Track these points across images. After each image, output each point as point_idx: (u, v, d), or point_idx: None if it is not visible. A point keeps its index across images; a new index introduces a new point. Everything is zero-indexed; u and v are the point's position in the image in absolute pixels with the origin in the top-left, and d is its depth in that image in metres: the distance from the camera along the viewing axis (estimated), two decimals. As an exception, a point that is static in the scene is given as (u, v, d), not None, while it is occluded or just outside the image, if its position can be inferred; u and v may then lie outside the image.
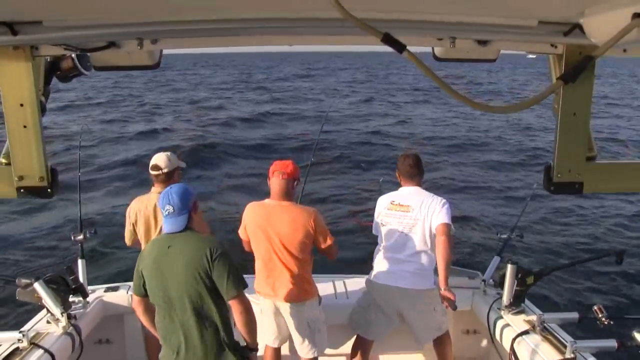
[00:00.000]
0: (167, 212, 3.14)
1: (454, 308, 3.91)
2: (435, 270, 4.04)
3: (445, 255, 3.90)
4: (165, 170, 4.24)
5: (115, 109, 31.72)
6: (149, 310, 3.31)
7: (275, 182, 3.90)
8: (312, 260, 4.02)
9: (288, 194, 3.92)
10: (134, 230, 4.30)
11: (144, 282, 3.19)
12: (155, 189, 4.26)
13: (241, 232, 4.06)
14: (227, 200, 12.68)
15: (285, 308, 3.95)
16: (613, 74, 71.77)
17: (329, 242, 3.94)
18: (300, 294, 3.90)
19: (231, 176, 15.69)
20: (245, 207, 4.07)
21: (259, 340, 3.55)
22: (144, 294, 3.23)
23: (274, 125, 25.29)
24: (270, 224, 3.85)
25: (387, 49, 1.35)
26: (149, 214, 4.21)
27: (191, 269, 3.04)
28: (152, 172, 4.28)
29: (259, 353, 4.23)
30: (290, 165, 3.93)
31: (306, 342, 3.99)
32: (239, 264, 3.24)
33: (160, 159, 4.28)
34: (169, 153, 4.40)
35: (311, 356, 4.04)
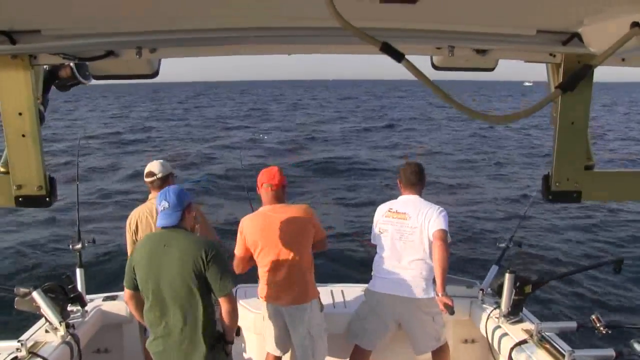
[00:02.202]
0: (162, 208, 3.35)
1: (452, 313, 3.93)
2: (434, 279, 4.04)
3: (442, 260, 3.92)
4: (159, 176, 4.40)
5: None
6: (141, 303, 3.48)
7: (265, 194, 4.02)
8: (314, 262, 4.09)
9: (280, 200, 4.02)
10: (135, 239, 4.32)
11: (136, 275, 3.39)
12: (152, 195, 4.38)
13: (238, 247, 4.06)
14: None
15: (289, 312, 3.97)
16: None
17: (323, 234, 4.13)
18: (305, 295, 3.96)
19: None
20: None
21: (260, 343, 4.07)
22: (135, 287, 3.43)
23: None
24: (271, 229, 3.90)
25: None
26: (148, 220, 4.26)
27: (186, 267, 3.23)
28: (147, 179, 4.44)
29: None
30: (277, 175, 4.02)
31: (307, 349, 3.99)
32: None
33: (154, 166, 4.45)
34: (161, 160, 4.59)
35: None
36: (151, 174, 4.41)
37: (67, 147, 21.89)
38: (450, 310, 3.91)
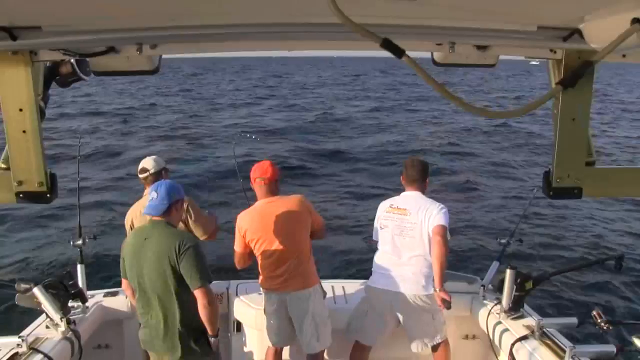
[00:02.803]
0: (151, 198, 3.46)
1: (448, 307, 3.94)
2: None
3: (440, 255, 3.92)
4: (152, 171, 4.42)
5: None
6: None
7: (259, 189, 4.08)
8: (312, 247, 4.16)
9: (273, 193, 4.09)
10: None
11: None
12: (147, 191, 4.33)
13: (237, 243, 4.11)
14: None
15: (292, 299, 4.01)
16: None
17: (322, 222, 4.22)
18: (306, 281, 4.03)
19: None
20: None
21: (261, 338, 4.18)
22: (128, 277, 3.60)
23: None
24: (269, 220, 3.97)
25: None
26: (144, 216, 4.24)
27: (160, 260, 3.33)
28: (141, 176, 4.48)
29: (259, 357, 4.28)
30: (269, 169, 4.07)
31: (312, 336, 4.03)
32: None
33: (146, 162, 4.49)
34: (154, 156, 4.62)
35: (317, 350, 4.08)
36: (144, 170, 4.45)
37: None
38: (448, 305, 3.92)
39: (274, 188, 4.08)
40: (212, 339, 3.51)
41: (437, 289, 3.95)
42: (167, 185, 3.48)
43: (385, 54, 1.33)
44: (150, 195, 3.47)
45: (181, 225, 4.06)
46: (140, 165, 4.50)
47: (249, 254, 4.11)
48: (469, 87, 54.77)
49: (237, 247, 4.11)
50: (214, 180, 13.01)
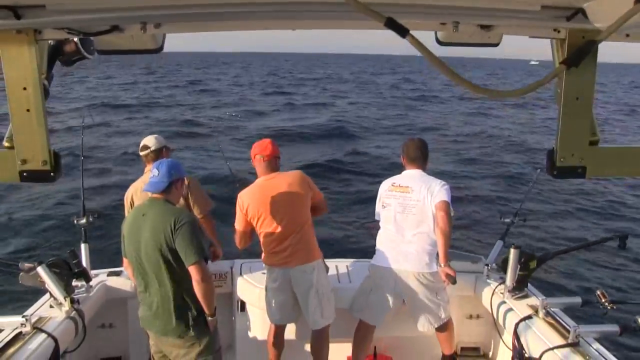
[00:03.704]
0: (152, 175, 3.48)
1: (454, 282, 3.96)
2: (437, 254, 4.05)
3: (445, 230, 3.92)
4: (152, 148, 4.46)
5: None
6: None
7: (259, 165, 4.14)
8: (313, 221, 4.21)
9: (273, 170, 4.13)
10: None
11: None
12: (147, 168, 4.44)
13: (239, 221, 4.13)
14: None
15: (296, 274, 4.03)
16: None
17: (321, 195, 4.27)
18: (309, 255, 4.07)
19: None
20: None
21: (265, 317, 4.18)
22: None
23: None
24: (271, 196, 4.00)
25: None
26: (144, 193, 4.25)
27: (156, 236, 3.32)
28: (142, 153, 4.52)
29: (264, 337, 4.30)
30: (269, 146, 4.12)
31: (316, 310, 4.04)
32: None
33: (148, 140, 4.53)
34: (156, 135, 4.65)
35: (322, 325, 4.09)
36: (145, 147, 4.48)
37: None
38: (453, 280, 3.94)
39: (274, 165, 4.12)
40: (209, 319, 3.49)
41: (442, 265, 3.96)
42: (168, 164, 3.49)
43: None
44: (152, 173, 3.48)
45: (181, 202, 4.06)
46: (142, 143, 4.53)
47: (250, 232, 4.14)
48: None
49: (239, 226, 4.12)
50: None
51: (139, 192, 4.27)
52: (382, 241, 4.26)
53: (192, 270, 3.33)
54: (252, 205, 4.03)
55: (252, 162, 4.16)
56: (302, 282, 4.04)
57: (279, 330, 4.22)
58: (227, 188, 7.56)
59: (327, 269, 4.26)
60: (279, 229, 4.00)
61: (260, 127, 23.61)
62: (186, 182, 4.19)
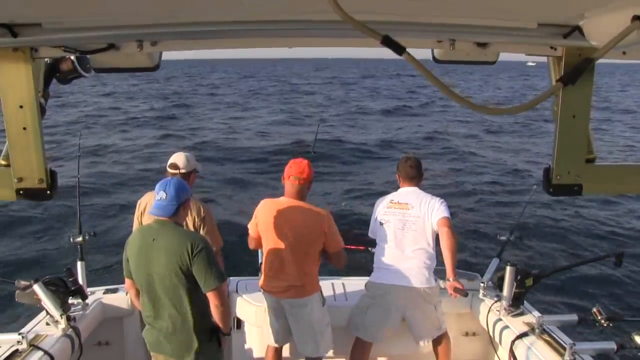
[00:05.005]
0: (159, 197, 3.34)
1: (465, 295, 3.99)
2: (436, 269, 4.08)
3: (451, 245, 3.97)
4: (182, 171, 4.22)
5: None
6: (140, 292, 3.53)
7: (291, 186, 3.94)
8: (320, 260, 4.07)
9: (302, 197, 3.97)
10: (141, 221, 4.28)
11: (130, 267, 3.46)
12: None
13: (251, 228, 4.10)
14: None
15: (289, 306, 3.98)
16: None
17: (338, 247, 4.00)
18: (303, 290, 3.95)
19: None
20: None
21: (262, 336, 4.19)
22: (132, 277, 3.49)
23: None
24: (284, 222, 3.90)
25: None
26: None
27: (172, 262, 3.24)
28: (170, 171, 4.24)
29: (261, 355, 4.28)
30: (306, 170, 3.94)
31: (310, 343, 4.01)
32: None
33: (179, 159, 4.27)
34: (188, 154, 4.38)
35: (316, 356, 4.06)
36: (175, 166, 4.23)
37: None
38: (464, 293, 3.98)
39: (305, 190, 3.98)
40: (224, 337, 3.49)
41: (450, 279, 3.99)
42: (176, 186, 3.36)
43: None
44: (159, 195, 3.34)
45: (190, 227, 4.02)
46: (171, 160, 4.30)
47: (260, 240, 4.08)
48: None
49: (251, 230, 4.10)
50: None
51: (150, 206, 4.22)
52: (382, 258, 4.27)
53: (211, 296, 3.29)
54: (263, 219, 3.97)
55: (283, 180, 3.98)
56: (294, 315, 3.99)
57: (277, 350, 4.20)
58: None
59: (323, 301, 4.11)
60: (277, 257, 3.93)
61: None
62: (202, 213, 4.14)
